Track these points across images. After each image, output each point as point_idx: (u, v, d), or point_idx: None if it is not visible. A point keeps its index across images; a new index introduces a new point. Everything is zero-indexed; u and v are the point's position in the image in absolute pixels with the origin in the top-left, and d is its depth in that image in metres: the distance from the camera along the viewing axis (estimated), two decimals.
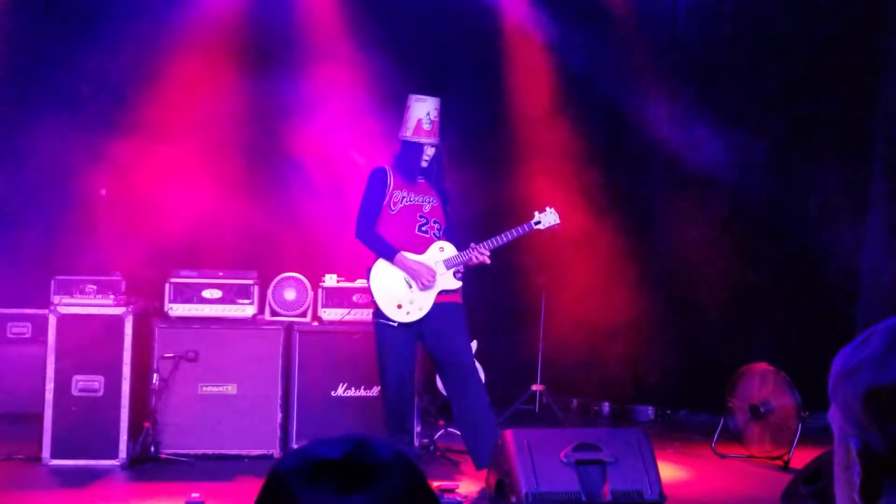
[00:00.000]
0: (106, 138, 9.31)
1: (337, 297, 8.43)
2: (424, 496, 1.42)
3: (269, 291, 8.45)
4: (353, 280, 8.48)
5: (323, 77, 9.84)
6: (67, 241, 9.24)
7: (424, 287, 7.20)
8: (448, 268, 7.26)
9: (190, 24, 9.79)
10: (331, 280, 8.46)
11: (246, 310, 8.28)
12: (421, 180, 7.38)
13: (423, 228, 7.32)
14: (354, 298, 8.42)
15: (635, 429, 7.36)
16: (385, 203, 7.31)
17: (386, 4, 10.08)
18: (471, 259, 7.22)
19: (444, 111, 7.42)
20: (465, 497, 6.73)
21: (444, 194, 7.44)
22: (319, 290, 8.43)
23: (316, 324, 8.38)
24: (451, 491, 6.71)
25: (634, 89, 10.14)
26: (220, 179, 9.60)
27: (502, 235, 7.28)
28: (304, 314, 8.45)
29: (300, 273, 8.53)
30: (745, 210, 9.77)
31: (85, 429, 7.61)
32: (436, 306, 7.23)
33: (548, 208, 7.41)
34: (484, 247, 7.20)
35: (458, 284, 7.30)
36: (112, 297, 7.89)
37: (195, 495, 6.42)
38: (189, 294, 8.25)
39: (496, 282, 9.69)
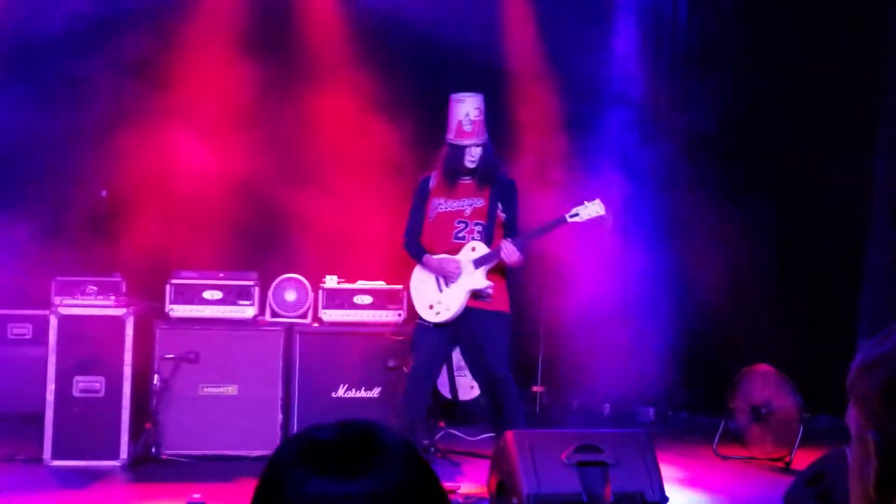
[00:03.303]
0: (107, 138, 9.30)
1: (337, 299, 8.43)
2: (431, 486, 1.39)
3: (270, 292, 8.45)
4: (353, 281, 8.48)
5: (328, 78, 9.84)
6: (68, 242, 9.23)
7: (449, 279, 7.21)
8: (477, 266, 7.19)
9: (192, 20, 9.78)
10: (331, 281, 8.46)
11: (246, 311, 8.28)
12: (467, 181, 7.32)
13: (461, 234, 7.29)
14: (355, 300, 8.42)
15: (637, 430, 7.35)
16: (425, 212, 7.36)
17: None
18: (499, 257, 7.14)
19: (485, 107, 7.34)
20: (467, 498, 6.73)
21: (504, 192, 7.32)
22: (320, 292, 8.43)
23: (316, 325, 8.38)
24: (453, 492, 6.71)
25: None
26: (221, 179, 9.59)
27: (534, 231, 7.28)
28: (304, 315, 8.45)
29: (301, 274, 8.54)
30: (745, 210, 9.76)
31: (86, 429, 7.61)
32: (477, 313, 7.21)
33: (591, 200, 7.23)
34: (512, 244, 7.10)
35: (486, 283, 7.19)
36: (113, 298, 7.90)
37: (196, 496, 6.42)
38: (190, 295, 8.25)
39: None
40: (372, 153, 9.50)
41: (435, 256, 7.29)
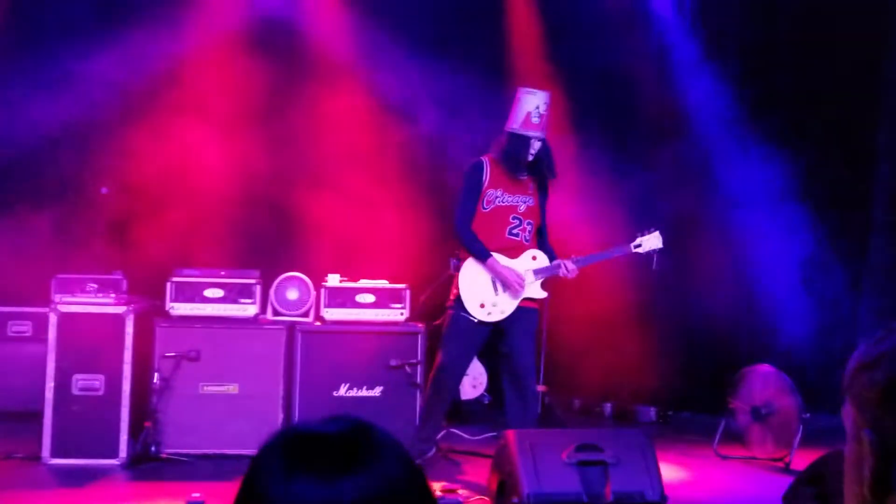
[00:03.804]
0: (108, 136, 9.30)
1: (339, 297, 8.41)
2: (419, 484, 1.36)
3: (272, 291, 8.44)
4: (355, 280, 8.48)
5: (332, 77, 9.84)
6: (69, 239, 9.22)
7: (513, 294, 7.29)
8: (537, 278, 7.32)
9: (197, 17, 9.78)
10: (333, 280, 8.45)
11: (248, 309, 8.27)
12: (524, 176, 7.40)
13: (515, 231, 7.37)
14: (357, 298, 8.41)
15: (637, 430, 7.36)
16: (479, 199, 7.35)
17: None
18: (561, 273, 7.29)
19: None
20: (468, 498, 6.72)
21: (545, 189, 7.46)
22: (322, 290, 8.41)
23: (318, 324, 8.37)
24: (453, 491, 6.70)
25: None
26: (223, 177, 9.59)
27: (598, 255, 7.44)
28: (306, 314, 8.44)
29: (303, 273, 8.53)
30: (744, 210, 9.75)
31: (85, 428, 7.60)
32: (519, 309, 7.33)
33: (651, 231, 7.47)
34: (575, 263, 7.28)
35: (543, 295, 7.40)
36: (113, 295, 7.89)
37: (196, 495, 6.41)
38: (191, 293, 8.23)
39: None
40: (376, 152, 9.50)
41: (501, 262, 7.28)
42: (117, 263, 8.79)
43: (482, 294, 7.32)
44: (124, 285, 8.27)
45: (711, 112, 10.05)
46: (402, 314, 8.40)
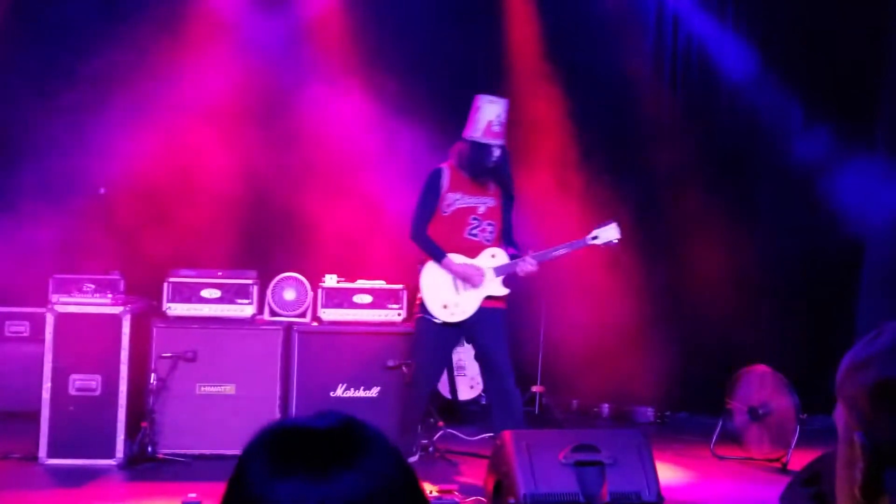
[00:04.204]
0: (105, 136, 9.30)
1: (337, 298, 8.41)
2: (410, 481, 1.32)
3: (269, 291, 8.44)
4: (353, 280, 8.47)
5: (329, 78, 9.84)
6: (66, 239, 9.22)
7: (474, 286, 7.36)
8: (497, 275, 7.41)
9: (195, 17, 9.78)
10: (331, 280, 8.45)
11: (245, 310, 8.26)
12: (485, 180, 7.49)
13: (474, 232, 7.46)
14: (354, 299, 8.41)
15: (634, 430, 7.37)
16: (438, 205, 7.45)
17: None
18: (519, 268, 7.34)
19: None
20: (464, 498, 6.72)
21: (508, 194, 7.55)
22: (319, 291, 8.41)
23: (315, 324, 8.36)
24: (450, 492, 6.70)
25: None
26: (221, 178, 9.59)
27: (555, 249, 7.42)
28: (303, 314, 8.43)
29: (300, 273, 8.52)
30: (743, 210, 9.76)
31: (82, 428, 7.60)
32: (482, 310, 7.41)
33: (609, 224, 7.47)
34: (534, 258, 7.33)
35: (504, 291, 7.47)
36: (110, 296, 7.88)
37: (192, 495, 6.40)
38: (188, 293, 8.23)
39: None
40: (373, 153, 9.49)
41: (457, 260, 7.39)
42: (114, 264, 8.78)
43: (443, 295, 7.43)
44: (121, 285, 8.26)
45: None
46: (399, 315, 8.39)
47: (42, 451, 7.58)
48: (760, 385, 8.19)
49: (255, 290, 8.30)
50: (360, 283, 8.46)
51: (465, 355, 9.34)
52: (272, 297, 8.45)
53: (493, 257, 7.43)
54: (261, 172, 9.88)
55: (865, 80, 9.62)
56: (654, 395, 10.10)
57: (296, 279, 8.50)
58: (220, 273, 8.36)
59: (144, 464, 7.66)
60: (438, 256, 7.41)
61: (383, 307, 8.42)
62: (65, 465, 7.52)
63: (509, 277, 7.47)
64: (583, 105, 10.08)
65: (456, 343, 7.64)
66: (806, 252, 9.61)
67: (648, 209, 10.21)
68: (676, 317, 9.99)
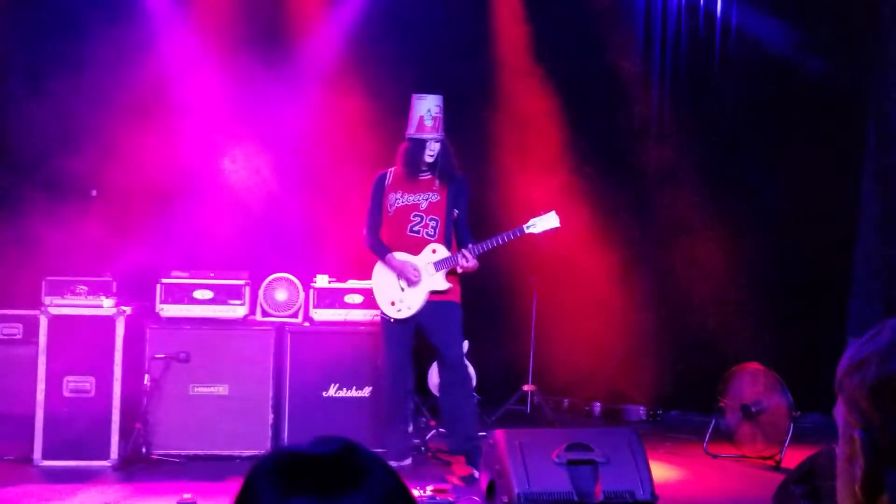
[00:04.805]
0: (97, 138, 9.28)
1: (328, 298, 8.42)
2: (407, 496, 1.40)
3: (261, 292, 8.45)
4: (344, 281, 8.48)
5: (321, 78, 9.84)
6: (58, 241, 9.20)
7: (410, 284, 7.48)
8: (437, 269, 7.49)
9: (187, 17, 9.77)
10: (322, 281, 8.46)
11: (237, 310, 8.28)
12: (426, 176, 7.58)
13: (416, 228, 7.54)
14: (345, 299, 8.42)
15: (627, 429, 7.37)
16: (383, 206, 7.59)
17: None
18: (458, 263, 7.41)
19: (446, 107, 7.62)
20: (458, 498, 6.73)
21: (456, 188, 7.57)
22: (311, 291, 8.42)
23: (307, 324, 8.37)
24: (443, 492, 6.71)
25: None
26: (212, 179, 9.59)
27: (490, 240, 7.45)
28: (295, 315, 8.45)
29: (291, 274, 8.53)
30: (737, 209, 9.78)
31: (76, 430, 7.61)
32: (430, 304, 7.51)
33: (547, 213, 7.50)
34: (470, 252, 7.37)
35: (447, 286, 7.52)
36: (103, 297, 7.89)
37: (186, 496, 6.43)
38: (180, 295, 8.24)
39: (487, 281, 9.66)
40: (363, 153, 9.48)
41: (397, 258, 7.52)
42: (107, 265, 8.77)
43: (390, 292, 7.60)
44: (114, 287, 8.25)
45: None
46: None
47: (36, 453, 7.59)
48: (753, 383, 8.21)
49: (247, 291, 8.31)
50: (352, 284, 8.47)
51: None
52: (264, 297, 8.46)
53: (434, 252, 7.51)
54: (253, 173, 9.88)
55: (856, 82, 9.66)
56: (646, 394, 10.12)
57: (287, 280, 8.51)
58: (212, 274, 8.37)
59: (138, 464, 7.67)
60: (382, 254, 7.59)
61: (375, 307, 8.42)
62: (59, 467, 7.53)
63: (468, 274, 7.53)
64: (573, 104, 10.08)
65: (412, 340, 7.67)
66: (798, 250, 9.63)
67: (640, 208, 10.23)
68: (668, 315, 10.00)
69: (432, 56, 9.82)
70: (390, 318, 7.58)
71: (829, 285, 9.70)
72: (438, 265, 7.47)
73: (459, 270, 7.49)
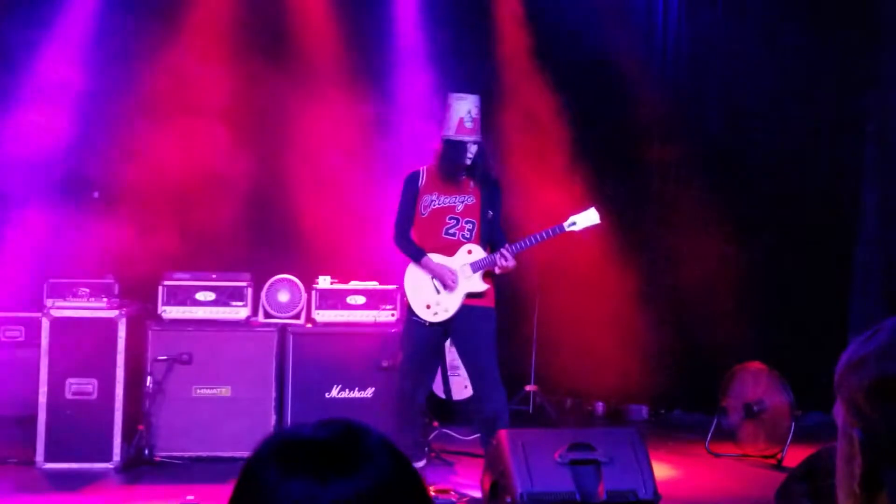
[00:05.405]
0: (99, 140, 9.29)
1: (331, 299, 8.43)
2: (413, 485, 1.38)
3: (263, 293, 8.45)
4: (346, 282, 8.48)
5: (322, 79, 9.84)
6: (60, 243, 9.20)
7: (448, 288, 7.31)
8: (474, 271, 7.33)
9: (188, 17, 9.77)
10: (324, 282, 8.46)
11: (239, 312, 8.28)
12: (463, 178, 7.41)
13: (451, 231, 7.38)
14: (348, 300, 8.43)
15: (629, 428, 7.37)
16: (417, 207, 7.42)
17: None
18: (496, 263, 7.25)
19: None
20: (461, 498, 6.73)
21: (490, 191, 7.44)
22: (313, 292, 8.43)
23: (310, 325, 8.38)
24: (447, 492, 6.72)
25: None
26: (214, 180, 9.58)
27: (528, 238, 7.32)
28: (297, 316, 8.45)
29: (294, 275, 8.53)
30: (739, 207, 9.77)
31: (78, 432, 7.61)
32: (464, 308, 7.33)
33: (588, 209, 7.37)
34: (508, 251, 7.22)
35: (484, 287, 7.35)
36: (105, 299, 7.90)
37: (190, 498, 6.43)
38: (182, 296, 8.24)
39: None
40: (366, 154, 9.49)
41: (434, 260, 7.34)
42: (109, 267, 8.77)
43: (426, 295, 7.37)
44: (116, 289, 8.26)
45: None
46: (392, 315, 8.41)
47: (39, 456, 7.59)
48: (755, 382, 8.21)
49: (249, 293, 8.31)
50: (354, 285, 8.48)
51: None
52: (266, 299, 8.46)
53: (470, 253, 7.35)
54: (254, 174, 9.87)
55: (860, 72, 9.65)
56: (648, 393, 10.12)
57: (289, 281, 8.51)
58: (214, 276, 8.38)
59: (141, 467, 7.68)
60: (417, 257, 7.39)
61: (377, 308, 8.44)
62: (62, 469, 7.53)
63: (504, 274, 7.43)
64: (575, 100, 10.08)
65: (439, 345, 7.55)
66: (800, 248, 9.63)
67: (643, 206, 10.23)
68: (669, 314, 10.00)
69: (440, 57, 9.82)
70: (425, 321, 7.36)
71: (831, 283, 9.69)
72: (475, 266, 7.31)
73: (498, 271, 7.29)
